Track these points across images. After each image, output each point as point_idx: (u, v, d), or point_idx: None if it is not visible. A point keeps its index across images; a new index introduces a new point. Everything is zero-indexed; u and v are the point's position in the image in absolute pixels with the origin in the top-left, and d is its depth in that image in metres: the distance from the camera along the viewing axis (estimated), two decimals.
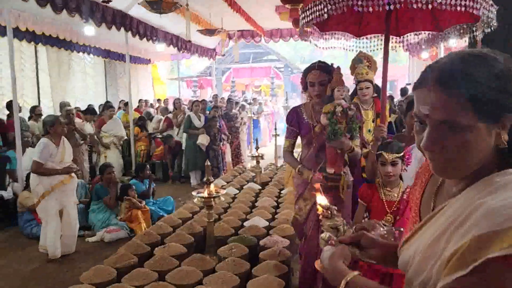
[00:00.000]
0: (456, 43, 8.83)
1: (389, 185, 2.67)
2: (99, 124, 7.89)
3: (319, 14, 2.60)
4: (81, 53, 9.97)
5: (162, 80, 16.83)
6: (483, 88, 0.83)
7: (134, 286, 3.18)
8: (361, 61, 3.77)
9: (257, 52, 20.92)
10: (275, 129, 9.09)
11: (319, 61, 3.02)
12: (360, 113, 3.77)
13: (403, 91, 10.88)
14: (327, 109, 2.75)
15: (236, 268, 3.36)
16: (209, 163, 4.04)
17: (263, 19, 11.20)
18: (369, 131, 3.73)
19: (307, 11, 2.72)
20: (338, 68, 2.85)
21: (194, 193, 4.04)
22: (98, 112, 8.89)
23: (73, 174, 4.76)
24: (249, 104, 12.51)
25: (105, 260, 3.65)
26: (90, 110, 7.85)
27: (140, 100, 11.64)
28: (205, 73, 20.86)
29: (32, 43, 8.52)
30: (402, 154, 2.60)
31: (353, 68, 3.83)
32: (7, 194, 5.91)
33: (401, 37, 3.67)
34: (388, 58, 3.19)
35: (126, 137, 8.53)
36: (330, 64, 2.97)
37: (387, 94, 5.99)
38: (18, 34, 7.77)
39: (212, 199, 3.90)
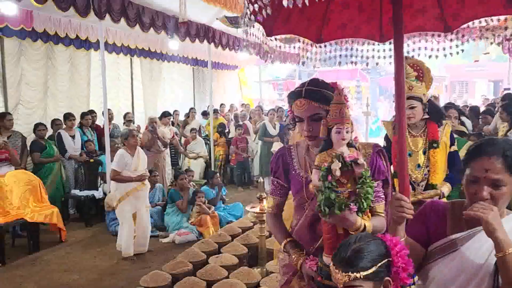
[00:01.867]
0: None
1: None
2: (185, 143, 9.08)
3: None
4: (170, 62, 10.77)
5: (249, 84, 17.37)
6: None
7: None
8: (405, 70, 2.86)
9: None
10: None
11: (312, 81, 1.91)
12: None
13: (474, 110, 8.42)
14: (320, 161, 1.72)
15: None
16: (262, 180, 4.22)
17: None
18: (419, 166, 2.97)
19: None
20: (338, 89, 1.74)
21: (248, 208, 4.27)
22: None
23: (146, 181, 5.27)
24: None
25: (163, 266, 4.04)
26: (165, 114, 8.49)
27: (221, 105, 12.20)
28: (291, 76, 21.06)
29: (128, 55, 9.45)
30: None
31: None
32: (98, 194, 6.70)
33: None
34: (490, 56, 1.91)
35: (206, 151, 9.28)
36: (328, 85, 1.86)
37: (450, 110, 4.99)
38: (116, 48, 8.70)
39: (264, 215, 4.08)
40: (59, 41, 7.46)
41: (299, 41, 2.34)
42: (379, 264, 1.35)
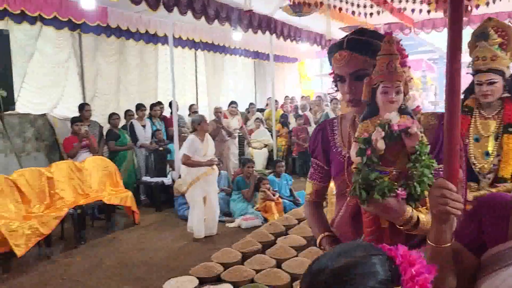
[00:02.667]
0: None
1: None
2: (249, 132, 9.23)
3: None
4: (232, 56, 10.98)
5: (309, 77, 17.27)
6: None
7: (254, 269, 3.57)
8: (486, 35, 2.40)
9: (407, 44, 19.73)
10: None
11: (358, 30, 1.51)
12: (467, 124, 2.49)
13: None
14: (361, 132, 1.32)
15: None
16: None
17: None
18: (487, 155, 2.46)
19: None
20: (389, 37, 1.30)
21: None
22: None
23: (214, 166, 5.43)
24: None
25: (233, 245, 4.15)
26: (231, 103, 8.64)
27: (286, 97, 12.24)
28: None
29: (193, 49, 9.76)
30: None
31: (472, 47, 2.50)
32: (167, 180, 6.99)
33: None
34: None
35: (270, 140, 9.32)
36: (379, 34, 1.45)
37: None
38: (181, 42, 9.02)
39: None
40: (130, 36, 7.86)
41: None
42: None
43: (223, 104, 9.41)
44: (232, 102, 8.61)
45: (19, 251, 4.33)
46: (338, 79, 1.51)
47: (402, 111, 1.30)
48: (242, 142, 9.07)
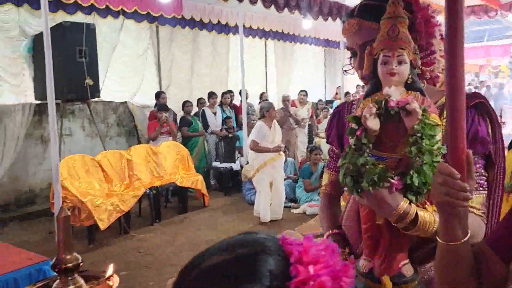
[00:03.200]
0: None
1: None
2: (317, 122, 9.16)
3: None
4: (302, 44, 10.97)
5: None
6: None
7: None
8: None
9: (493, 29, 18.33)
10: (500, 116, 8.08)
11: None
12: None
13: None
14: (361, 111, 1.10)
15: None
16: None
17: None
18: None
19: None
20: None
21: None
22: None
23: (281, 153, 5.55)
24: (475, 88, 11.32)
25: (296, 228, 4.25)
26: (301, 91, 8.68)
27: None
28: None
29: (263, 38, 9.90)
30: None
31: None
32: (235, 166, 7.24)
33: None
34: None
35: None
36: None
37: None
38: (252, 32, 9.20)
39: None
40: (203, 27, 8.17)
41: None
42: None
43: (292, 93, 9.45)
44: (302, 91, 8.64)
45: (102, 225, 4.77)
46: (351, 53, 1.32)
47: (409, 86, 1.08)
48: (310, 131, 9.09)
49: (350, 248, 1.29)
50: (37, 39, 5.59)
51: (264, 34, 9.64)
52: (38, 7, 5.50)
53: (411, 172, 1.01)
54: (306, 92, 8.69)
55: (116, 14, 6.70)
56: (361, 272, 1.14)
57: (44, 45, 4.00)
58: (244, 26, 8.49)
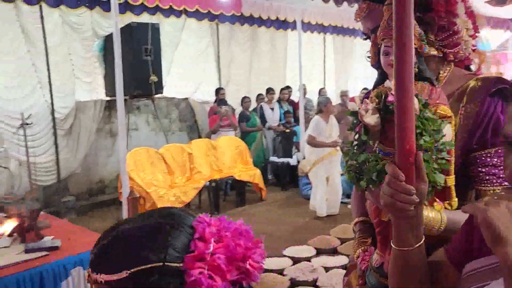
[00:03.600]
0: None
1: None
2: None
3: None
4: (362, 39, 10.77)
5: None
6: None
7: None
8: None
9: None
10: None
11: None
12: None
13: None
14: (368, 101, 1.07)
15: None
16: None
17: None
18: None
19: None
20: None
21: None
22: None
23: (338, 148, 5.52)
24: None
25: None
26: (364, 88, 8.55)
27: None
28: (502, 47, 18.34)
29: (321, 33, 9.85)
30: None
31: None
32: (292, 161, 7.30)
33: None
34: None
35: None
36: None
37: None
38: (310, 27, 9.18)
39: None
40: (262, 24, 8.29)
41: None
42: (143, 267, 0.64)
43: (351, 89, 9.33)
44: (364, 88, 8.49)
45: None
46: (363, 39, 1.24)
47: (420, 76, 1.02)
48: None
49: (372, 238, 1.25)
50: (108, 40, 5.99)
51: (322, 29, 9.59)
52: (108, 9, 5.88)
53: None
54: (368, 89, 8.52)
55: (178, 14, 6.99)
56: (372, 266, 1.14)
57: (114, 45, 4.30)
58: (302, 21, 8.50)
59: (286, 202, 6.50)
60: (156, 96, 6.21)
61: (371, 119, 0.96)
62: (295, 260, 3.70)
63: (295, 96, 8.50)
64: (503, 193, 0.71)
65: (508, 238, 0.63)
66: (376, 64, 1.10)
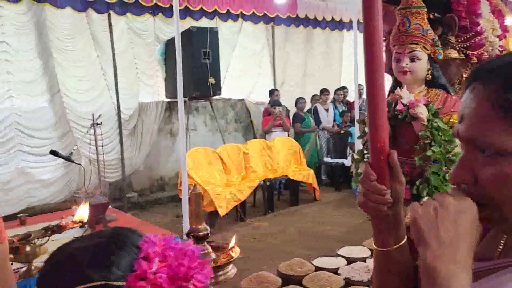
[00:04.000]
0: None
1: None
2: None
3: None
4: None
5: None
6: None
7: None
8: None
9: None
10: None
11: None
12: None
13: None
14: None
15: None
16: None
17: None
18: None
19: None
20: None
21: None
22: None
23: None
24: None
25: None
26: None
27: None
28: None
29: None
30: None
31: None
32: (347, 162, 7.26)
33: None
34: None
35: None
36: None
37: None
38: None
39: None
40: (317, 25, 8.31)
41: None
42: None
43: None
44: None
45: (222, 212, 5.24)
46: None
47: (430, 83, 0.97)
48: None
49: None
50: (169, 44, 6.31)
51: None
52: (170, 16, 6.22)
53: (417, 182, 0.92)
54: None
55: (235, 17, 7.20)
56: None
57: (176, 49, 4.53)
58: (358, 21, 8.43)
59: (340, 203, 6.49)
60: (214, 97, 6.44)
61: None
62: (350, 260, 3.72)
63: (351, 97, 8.44)
64: (449, 192, 0.68)
65: (428, 241, 0.63)
66: (389, 68, 1.05)
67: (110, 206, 3.60)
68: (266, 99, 7.69)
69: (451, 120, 0.99)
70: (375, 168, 0.79)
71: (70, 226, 2.07)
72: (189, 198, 1.77)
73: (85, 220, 2.86)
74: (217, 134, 7.11)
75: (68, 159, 3.56)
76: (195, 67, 5.93)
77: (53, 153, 3.54)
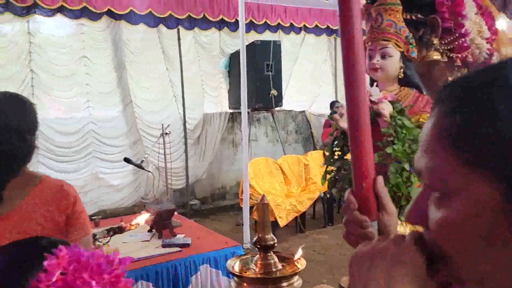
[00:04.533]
0: None
1: None
2: None
3: None
4: None
5: None
6: None
7: None
8: None
9: None
10: None
11: None
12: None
13: None
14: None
15: None
16: None
17: None
18: None
19: None
20: None
21: None
22: None
23: None
24: None
25: None
26: None
27: None
28: None
29: None
30: None
31: None
32: None
33: None
34: None
35: None
36: None
37: None
38: None
39: None
40: None
41: None
42: None
43: None
44: None
45: (281, 222, 5.28)
46: None
47: (403, 81, 0.94)
48: None
49: None
50: (233, 57, 6.51)
51: None
52: (234, 29, 6.43)
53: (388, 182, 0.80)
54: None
55: (298, 30, 7.28)
56: None
57: (240, 62, 4.69)
58: None
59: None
60: (276, 108, 6.54)
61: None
62: None
63: None
64: (406, 235, 0.56)
65: (355, 284, 0.56)
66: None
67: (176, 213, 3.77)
68: (327, 111, 7.66)
69: (420, 119, 0.96)
70: (357, 196, 0.68)
71: (128, 228, 2.24)
72: (257, 208, 1.83)
73: (141, 224, 3.02)
74: (278, 145, 7.18)
75: (140, 166, 3.79)
76: (258, 79, 6.06)
77: (127, 160, 3.79)
